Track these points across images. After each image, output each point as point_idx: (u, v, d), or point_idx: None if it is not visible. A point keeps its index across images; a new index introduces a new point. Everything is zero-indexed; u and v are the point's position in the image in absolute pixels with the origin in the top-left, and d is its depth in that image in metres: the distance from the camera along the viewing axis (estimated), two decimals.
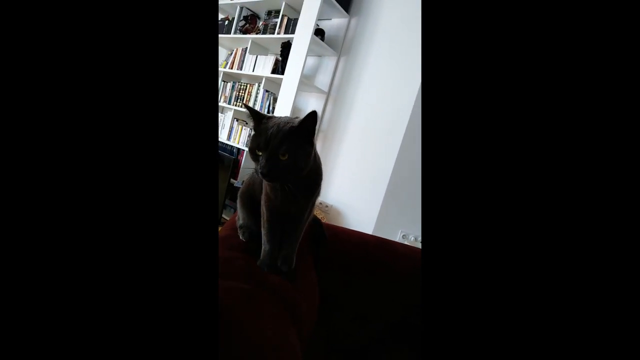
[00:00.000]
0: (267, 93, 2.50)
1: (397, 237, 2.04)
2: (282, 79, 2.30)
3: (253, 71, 2.54)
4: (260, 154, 0.51)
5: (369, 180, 2.15)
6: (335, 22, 2.44)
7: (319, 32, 2.32)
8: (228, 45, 2.99)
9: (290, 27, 2.37)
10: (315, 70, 2.54)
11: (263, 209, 0.62)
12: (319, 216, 0.87)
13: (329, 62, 2.46)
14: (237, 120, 2.63)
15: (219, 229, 0.67)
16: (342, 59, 2.41)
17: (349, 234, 0.88)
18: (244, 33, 2.74)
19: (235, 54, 2.75)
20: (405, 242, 2.01)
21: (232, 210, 2.51)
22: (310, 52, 2.20)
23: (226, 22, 2.98)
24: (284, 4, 2.40)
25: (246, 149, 2.42)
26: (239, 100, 2.64)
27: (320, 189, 0.62)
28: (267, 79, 2.45)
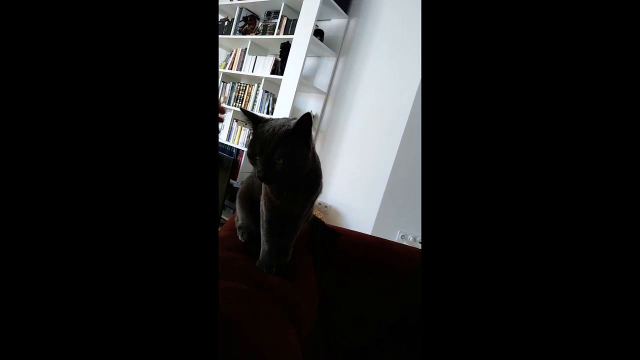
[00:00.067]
0: (266, 94, 2.50)
1: (395, 238, 2.04)
2: (281, 79, 2.30)
3: (252, 72, 2.54)
4: (257, 158, 0.51)
5: (368, 180, 2.15)
6: (335, 23, 2.45)
7: (318, 33, 2.32)
8: (227, 45, 2.99)
9: (290, 27, 2.38)
10: (315, 70, 2.54)
11: (263, 209, 0.62)
12: (319, 217, 0.87)
13: (328, 63, 2.46)
14: (236, 121, 2.63)
15: (219, 229, 0.68)
16: (341, 60, 2.41)
17: (348, 234, 0.88)
18: (244, 34, 2.74)
19: (235, 54, 2.75)
20: (404, 243, 2.01)
21: (232, 210, 2.51)
22: (309, 52, 2.21)
23: (226, 23, 2.98)
24: (283, 4, 2.40)
25: (245, 149, 2.42)
26: (238, 100, 2.64)
27: (321, 188, 0.62)
28: (267, 79, 2.45)
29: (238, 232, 0.71)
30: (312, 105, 2.52)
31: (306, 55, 2.16)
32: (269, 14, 2.66)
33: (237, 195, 0.72)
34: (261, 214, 0.63)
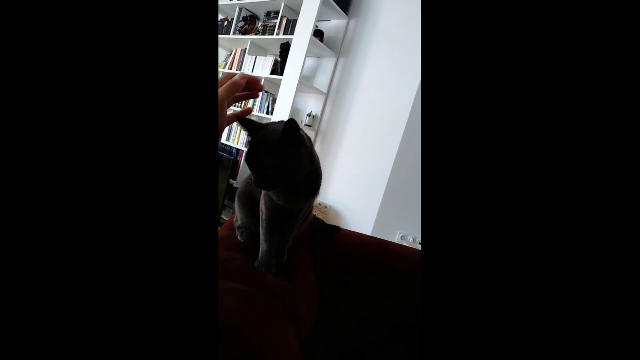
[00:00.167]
0: (266, 94, 2.50)
1: (395, 238, 2.04)
2: (281, 80, 2.30)
3: (252, 72, 2.54)
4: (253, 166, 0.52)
5: (368, 181, 2.15)
6: (335, 24, 2.45)
7: (318, 34, 2.32)
8: (227, 46, 3.00)
9: (290, 28, 2.38)
10: (315, 71, 2.55)
11: (263, 208, 0.62)
12: (318, 217, 0.87)
13: (328, 63, 2.47)
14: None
15: (218, 229, 0.67)
16: (341, 60, 2.41)
17: (348, 234, 0.88)
18: (244, 34, 2.75)
19: (235, 55, 2.76)
20: (404, 243, 2.01)
21: (231, 210, 2.51)
22: (309, 53, 2.21)
23: (225, 23, 2.99)
24: (283, 5, 2.40)
25: (245, 149, 2.42)
26: (237, 101, 2.64)
27: (319, 189, 0.62)
28: (267, 80, 2.45)
29: (237, 232, 0.71)
30: (312, 105, 2.52)
31: (306, 56, 2.17)
32: (268, 14, 2.66)
33: (237, 195, 0.72)
34: (261, 213, 0.63)
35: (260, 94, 2.43)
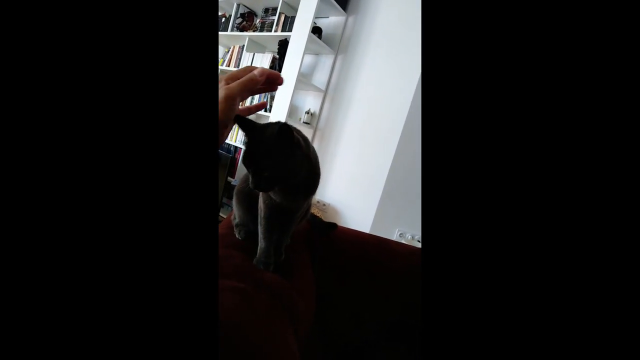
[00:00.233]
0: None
1: (394, 236, 2.05)
2: None
3: None
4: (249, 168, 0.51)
5: (366, 178, 2.15)
6: (333, 20, 2.44)
7: (316, 30, 2.31)
8: (225, 42, 2.98)
9: (288, 24, 2.37)
10: (313, 68, 2.54)
11: (262, 205, 0.62)
12: (317, 215, 0.87)
13: (327, 60, 2.46)
14: None
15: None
16: (339, 57, 2.41)
17: (346, 232, 0.88)
18: (241, 30, 2.73)
19: (232, 51, 2.74)
20: (403, 241, 2.01)
21: (229, 208, 2.50)
22: (307, 50, 2.20)
23: (223, 20, 2.97)
24: (281, 1, 2.39)
25: (243, 147, 2.42)
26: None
27: (317, 187, 0.62)
28: None
29: (235, 230, 0.70)
30: (310, 103, 2.51)
31: (304, 53, 2.16)
32: (266, 10, 2.65)
33: (234, 192, 0.72)
34: (259, 210, 0.63)
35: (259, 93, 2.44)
